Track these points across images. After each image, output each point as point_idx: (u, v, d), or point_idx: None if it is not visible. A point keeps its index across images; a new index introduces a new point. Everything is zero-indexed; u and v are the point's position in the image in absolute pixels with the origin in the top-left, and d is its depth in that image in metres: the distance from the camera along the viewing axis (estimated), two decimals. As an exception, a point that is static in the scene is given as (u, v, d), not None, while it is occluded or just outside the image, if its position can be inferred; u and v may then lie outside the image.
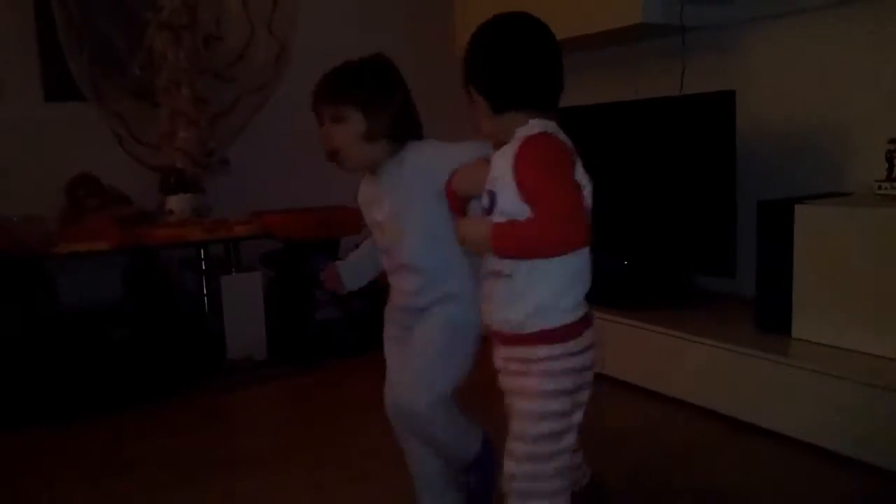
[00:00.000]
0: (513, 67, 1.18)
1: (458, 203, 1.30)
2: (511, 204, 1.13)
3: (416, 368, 1.39)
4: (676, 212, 2.45)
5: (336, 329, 2.90)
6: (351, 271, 1.56)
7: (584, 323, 1.20)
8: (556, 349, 1.16)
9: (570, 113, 2.81)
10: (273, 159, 3.19)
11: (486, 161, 1.22)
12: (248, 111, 3.03)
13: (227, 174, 3.01)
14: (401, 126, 1.39)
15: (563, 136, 1.18)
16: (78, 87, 2.81)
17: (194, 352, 2.65)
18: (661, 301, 2.43)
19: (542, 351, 1.16)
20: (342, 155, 1.39)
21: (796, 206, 1.96)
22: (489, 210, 1.17)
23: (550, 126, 1.17)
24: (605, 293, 2.44)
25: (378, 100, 1.37)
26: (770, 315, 2.08)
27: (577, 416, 1.21)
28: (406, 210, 1.38)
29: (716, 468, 1.80)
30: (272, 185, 3.13)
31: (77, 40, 2.76)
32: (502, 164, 1.15)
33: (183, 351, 2.59)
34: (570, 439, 1.19)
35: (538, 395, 1.16)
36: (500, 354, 1.24)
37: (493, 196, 1.16)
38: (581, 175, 1.17)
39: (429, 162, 1.36)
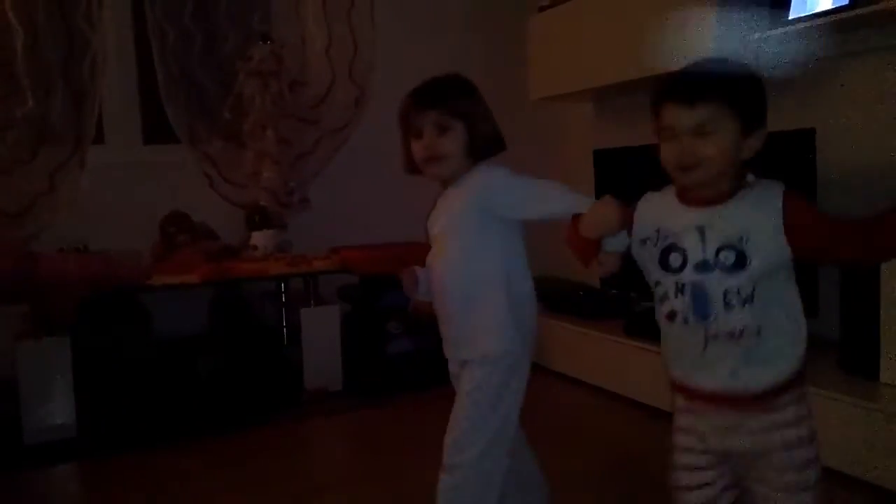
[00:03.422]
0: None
1: (588, 245, 1.34)
2: (774, 252, 1.10)
3: (451, 427, 1.42)
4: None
5: (408, 362, 2.95)
6: (428, 278, 1.52)
7: None
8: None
9: (646, 152, 2.82)
10: (351, 197, 3.31)
11: (611, 201, 1.33)
12: (328, 152, 3.17)
13: (307, 211, 3.15)
14: (489, 145, 1.47)
15: None
16: (173, 131, 3.02)
17: (274, 382, 2.75)
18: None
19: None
20: (446, 163, 1.44)
21: (882, 245, 1.91)
22: (736, 266, 1.11)
23: None
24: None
25: (479, 114, 1.46)
26: (855, 357, 2.01)
27: None
28: (457, 226, 1.42)
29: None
30: (350, 222, 3.24)
31: (175, 88, 2.98)
32: (755, 216, 1.13)
33: (264, 381, 2.69)
34: None
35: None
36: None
37: (740, 253, 1.11)
38: None
39: (496, 184, 1.43)
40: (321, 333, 2.78)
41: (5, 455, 2.26)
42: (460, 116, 1.41)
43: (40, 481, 2.18)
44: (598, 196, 3.22)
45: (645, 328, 2.60)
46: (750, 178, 1.21)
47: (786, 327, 1.17)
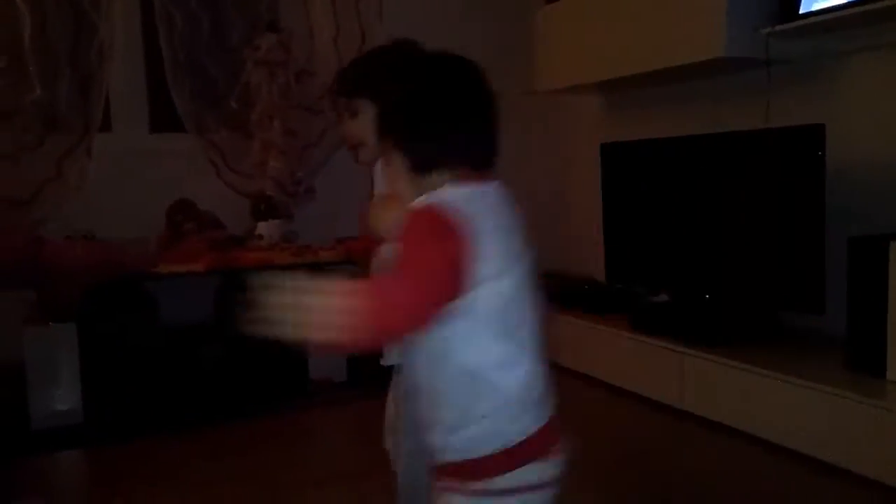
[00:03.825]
0: (451, 120, 0.97)
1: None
2: None
3: None
4: (762, 247, 2.40)
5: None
6: None
7: None
8: None
9: (654, 146, 2.82)
10: (357, 188, 3.30)
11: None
12: (335, 142, 3.16)
13: (313, 201, 3.15)
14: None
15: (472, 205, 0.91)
16: (180, 120, 3.02)
17: (279, 372, 2.75)
18: (744, 337, 2.38)
19: None
20: (363, 150, 1.26)
21: (891, 243, 1.90)
22: None
23: (472, 195, 0.93)
24: (686, 329, 2.44)
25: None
26: (862, 355, 2.00)
27: None
28: None
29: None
30: (356, 213, 3.23)
31: (182, 77, 2.97)
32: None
33: (268, 370, 2.69)
34: None
35: None
36: None
37: None
38: (493, 263, 0.89)
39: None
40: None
41: (13, 440, 2.27)
42: (371, 97, 1.18)
43: (47, 466, 2.19)
44: (604, 190, 3.21)
45: (651, 323, 2.60)
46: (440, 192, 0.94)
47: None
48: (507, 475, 0.87)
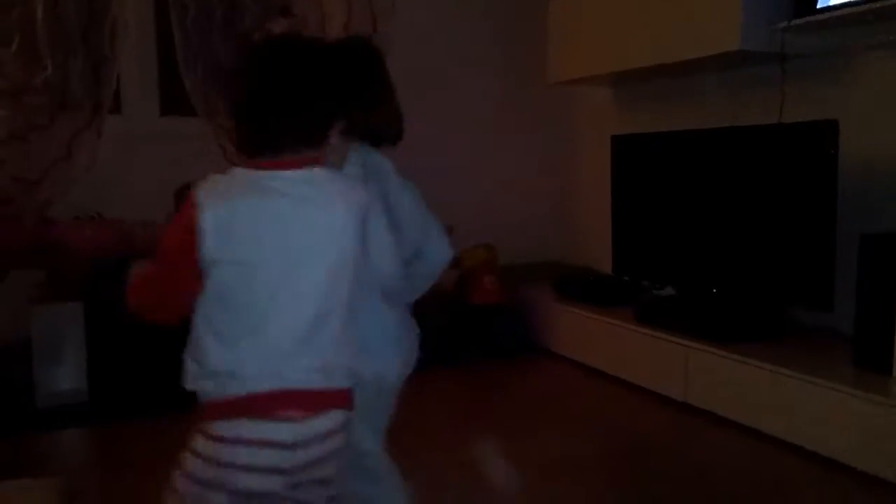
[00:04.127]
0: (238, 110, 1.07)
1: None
2: None
3: None
4: (771, 243, 2.39)
5: (418, 343, 2.95)
6: None
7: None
8: None
9: (665, 139, 2.80)
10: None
11: None
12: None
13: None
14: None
15: (217, 192, 1.01)
16: (190, 103, 3.01)
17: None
18: (751, 333, 2.37)
19: None
20: None
21: (902, 240, 1.89)
22: None
23: (223, 180, 1.03)
24: (692, 323, 2.44)
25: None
26: (869, 352, 1.99)
27: None
28: None
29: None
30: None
31: (193, 60, 2.97)
32: None
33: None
34: None
35: None
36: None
37: None
38: (219, 248, 0.98)
39: None
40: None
41: (18, 417, 2.28)
42: None
43: (52, 444, 2.20)
44: (613, 182, 3.20)
45: (655, 315, 2.60)
46: None
47: None
48: (221, 423, 0.99)
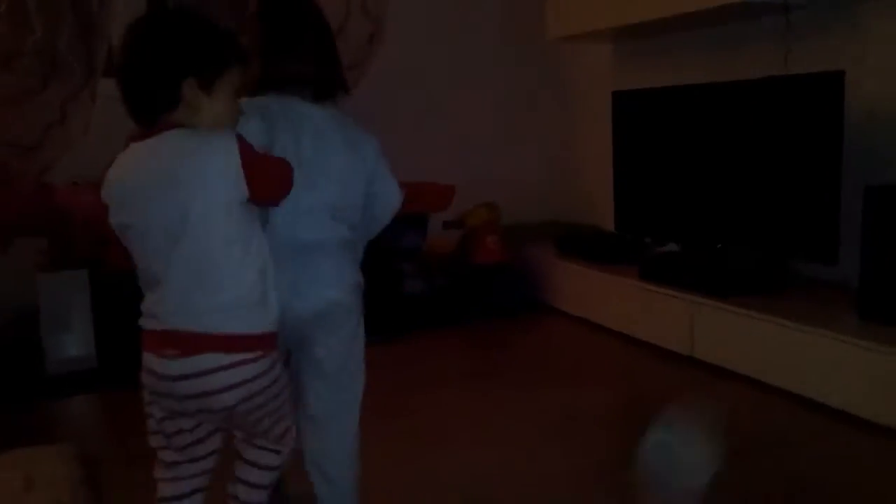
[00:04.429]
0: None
1: None
2: None
3: None
4: (776, 196, 2.39)
5: (420, 302, 2.97)
6: None
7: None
8: None
9: (667, 94, 2.78)
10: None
11: None
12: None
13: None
14: None
15: (116, 169, 1.18)
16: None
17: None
18: (755, 287, 2.39)
19: None
20: None
21: (909, 192, 1.89)
22: None
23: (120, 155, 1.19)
24: (696, 278, 2.45)
25: None
26: (874, 304, 2.01)
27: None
28: None
29: (809, 459, 1.76)
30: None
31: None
32: None
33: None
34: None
35: None
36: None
37: None
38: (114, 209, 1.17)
39: None
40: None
41: (29, 384, 2.29)
42: None
43: (64, 410, 2.22)
44: (615, 139, 3.17)
45: (660, 272, 2.61)
46: None
47: None
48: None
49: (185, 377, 1.14)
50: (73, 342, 2.39)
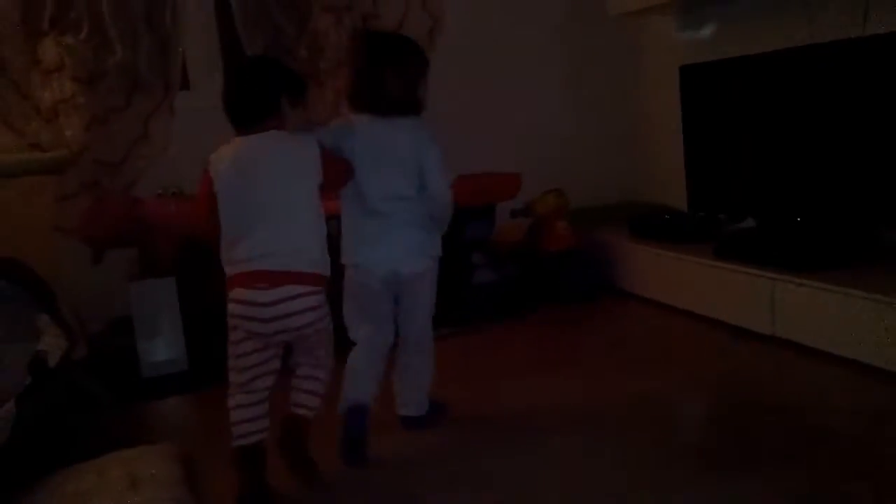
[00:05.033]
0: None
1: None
2: None
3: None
4: (857, 163, 2.27)
5: (491, 292, 2.97)
6: None
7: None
8: None
9: (736, 65, 2.67)
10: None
11: None
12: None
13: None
14: None
15: (221, 154, 1.66)
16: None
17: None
18: (841, 260, 2.28)
19: None
20: None
21: None
22: None
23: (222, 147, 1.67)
24: (775, 254, 2.36)
25: None
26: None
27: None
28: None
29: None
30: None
31: (253, 29, 3.00)
32: None
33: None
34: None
35: None
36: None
37: None
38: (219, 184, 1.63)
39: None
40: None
41: (126, 387, 2.44)
42: None
43: (160, 412, 2.36)
44: (684, 115, 3.07)
45: (735, 250, 2.53)
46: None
47: None
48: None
49: (274, 303, 1.57)
50: (165, 346, 2.52)
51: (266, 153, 1.62)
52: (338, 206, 1.83)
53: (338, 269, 1.76)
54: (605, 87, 3.60)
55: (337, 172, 1.70)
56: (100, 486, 1.31)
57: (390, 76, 1.74)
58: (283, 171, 1.61)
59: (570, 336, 2.72)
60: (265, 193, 1.59)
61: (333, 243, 1.73)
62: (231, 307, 1.60)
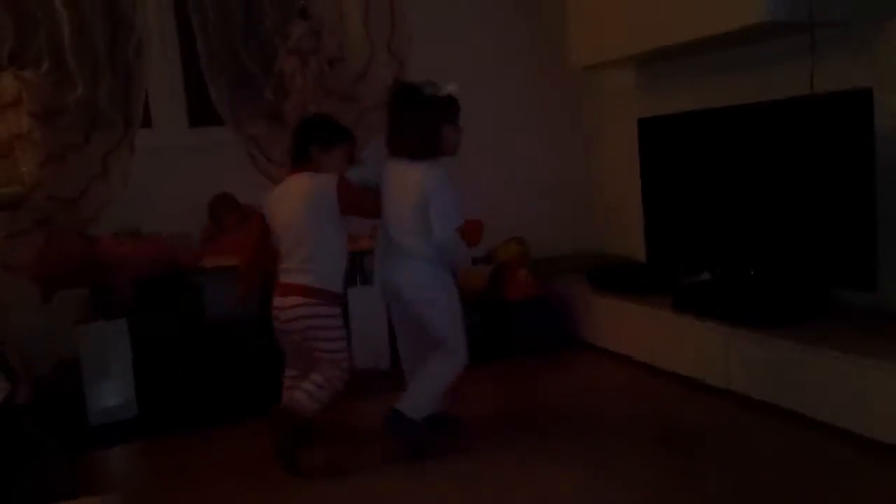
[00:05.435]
0: None
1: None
2: None
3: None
4: (809, 220, 2.33)
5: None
6: None
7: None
8: None
9: (693, 119, 2.75)
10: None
11: None
12: (369, 130, 3.16)
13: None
14: None
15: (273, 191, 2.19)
16: (217, 113, 3.04)
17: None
18: (794, 315, 2.33)
19: None
20: None
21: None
22: None
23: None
24: (731, 308, 2.40)
25: None
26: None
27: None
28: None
29: (861, 495, 1.70)
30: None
31: (217, 69, 2.99)
32: None
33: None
34: None
35: None
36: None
37: None
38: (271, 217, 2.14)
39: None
40: (368, 312, 2.79)
41: (72, 435, 2.34)
42: None
43: (107, 460, 2.26)
44: (642, 167, 3.13)
45: (693, 302, 2.57)
46: None
47: None
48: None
49: (282, 309, 2.04)
50: (114, 390, 2.44)
51: (290, 189, 2.09)
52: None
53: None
54: (564, 139, 3.67)
55: (350, 203, 2.06)
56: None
57: (405, 122, 2.02)
58: (299, 203, 2.04)
59: (528, 388, 2.66)
60: (286, 221, 2.06)
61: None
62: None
